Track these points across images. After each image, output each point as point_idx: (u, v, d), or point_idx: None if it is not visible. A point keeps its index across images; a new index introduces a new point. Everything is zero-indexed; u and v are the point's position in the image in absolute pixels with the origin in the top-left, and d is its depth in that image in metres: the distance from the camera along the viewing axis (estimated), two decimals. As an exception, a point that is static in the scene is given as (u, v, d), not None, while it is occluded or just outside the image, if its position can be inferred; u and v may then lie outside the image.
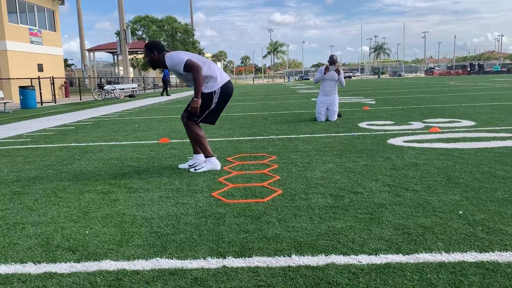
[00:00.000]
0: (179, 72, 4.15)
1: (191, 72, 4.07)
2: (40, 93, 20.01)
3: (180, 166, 4.57)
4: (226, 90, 4.31)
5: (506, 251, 2.19)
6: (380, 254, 2.21)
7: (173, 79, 51.17)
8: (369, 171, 4.07)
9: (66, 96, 27.89)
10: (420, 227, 2.56)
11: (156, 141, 6.62)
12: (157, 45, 4.30)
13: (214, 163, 4.40)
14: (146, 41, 48.63)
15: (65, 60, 59.48)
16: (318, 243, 2.39)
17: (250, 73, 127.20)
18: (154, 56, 4.25)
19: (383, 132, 6.58)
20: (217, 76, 4.26)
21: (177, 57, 4.14)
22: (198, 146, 4.44)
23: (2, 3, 22.45)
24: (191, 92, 31.30)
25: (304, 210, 2.98)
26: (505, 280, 1.90)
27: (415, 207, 2.95)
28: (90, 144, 6.65)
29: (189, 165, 4.50)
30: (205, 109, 4.28)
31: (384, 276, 1.99)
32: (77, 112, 14.27)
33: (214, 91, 4.24)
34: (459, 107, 10.50)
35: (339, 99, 10.62)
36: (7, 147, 6.61)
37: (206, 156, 4.41)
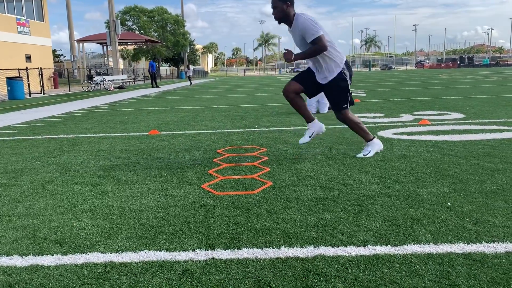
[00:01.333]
0: (302, 37, 3.91)
1: (314, 48, 3.85)
2: (28, 84, 19.74)
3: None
4: (348, 66, 4.14)
5: (493, 243, 2.21)
6: (369, 246, 2.22)
7: (163, 71, 50.80)
8: (358, 163, 4.08)
9: (54, 88, 27.56)
10: (409, 219, 2.58)
11: (146, 133, 6.57)
12: None
13: (377, 144, 4.34)
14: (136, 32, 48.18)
15: (54, 51, 58.67)
16: (307, 235, 2.39)
17: (241, 65, 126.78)
18: (286, 7, 3.90)
19: (373, 125, 6.60)
20: (341, 53, 4.08)
21: (312, 24, 3.82)
22: (361, 133, 4.30)
23: (-12, -8, 22.05)
24: (181, 84, 31.15)
25: (293, 202, 2.98)
26: (492, 271, 1.92)
27: (404, 199, 2.96)
28: (79, 135, 6.58)
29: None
30: (346, 91, 4.12)
31: (372, 267, 1.99)
32: (65, 104, 14.11)
33: (341, 71, 4.04)
34: (449, 100, 10.57)
35: (330, 91, 10.63)
36: (-6, 139, 6.51)
37: (368, 140, 4.32)
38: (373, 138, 4.34)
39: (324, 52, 3.92)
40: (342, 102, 4.15)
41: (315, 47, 3.85)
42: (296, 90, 4.21)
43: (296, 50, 4.17)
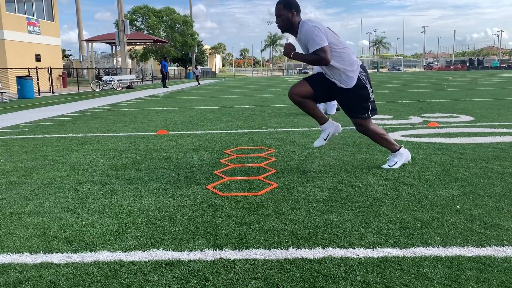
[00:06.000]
0: (305, 46, 3.65)
1: (316, 58, 3.55)
2: (38, 83, 19.90)
3: (315, 144, 4.13)
4: (364, 69, 3.80)
5: (503, 246, 2.19)
6: (377, 248, 2.21)
7: (171, 71, 50.99)
8: (367, 165, 4.06)
9: (63, 87, 27.76)
10: (418, 221, 2.56)
11: (154, 133, 6.60)
12: (297, 4, 3.65)
13: (405, 154, 3.96)
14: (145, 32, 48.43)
15: (63, 51, 59.18)
16: (315, 236, 2.38)
17: (249, 65, 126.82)
18: (291, 16, 3.61)
19: (382, 126, 6.57)
20: (355, 60, 3.72)
21: (315, 34, 3.50)
22: (386, 144, 3.95)
23: (-1, -8, 22.27)
24: (189, 84, 31.23)
25: (301, 203, 2.98)
26: (502, 275, 1.90)
27: (413, 201, 2.95)
28: (88, 135, 6.63)
29: (324, 139, 4.05)
30: (367, 99, 3.76)
31: (381, 269, 1.99)
32: (74, 103, 14.21)
33: (360, 76, 3.70)
34: (458, 102, 10.50)
35: (338, 92, 10.60)
36: (4, 137, 6.58)
37: (394, 150, 3.94)
38: (400, 148, 3.96)
39: (333, 64, 3.62)
40: (360, 110, 3.78)
41: (317, 58, 3.54)
42: (305, 93, 3.82)
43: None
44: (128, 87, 25.72)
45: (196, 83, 30.90)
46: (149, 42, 45.79)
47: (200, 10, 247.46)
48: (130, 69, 38.09)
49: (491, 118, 7.24)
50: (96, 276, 1.99)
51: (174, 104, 12.60)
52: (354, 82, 3.69)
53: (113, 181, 3.70)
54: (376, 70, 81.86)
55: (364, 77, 3.73)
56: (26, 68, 19.79)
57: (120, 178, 3.81)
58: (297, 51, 3.77)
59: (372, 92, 3.81)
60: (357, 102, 3.77)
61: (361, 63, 3.79)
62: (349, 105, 3.84)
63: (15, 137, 6.60)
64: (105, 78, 24.80)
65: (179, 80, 48.96)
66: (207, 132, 6.61)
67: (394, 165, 3.92)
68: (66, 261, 2.16)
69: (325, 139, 4.05)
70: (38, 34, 26.60)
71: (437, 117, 7.60)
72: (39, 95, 19.60)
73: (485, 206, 2.81)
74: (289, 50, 3.70)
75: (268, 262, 2.09)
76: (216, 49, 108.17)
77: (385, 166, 3.95)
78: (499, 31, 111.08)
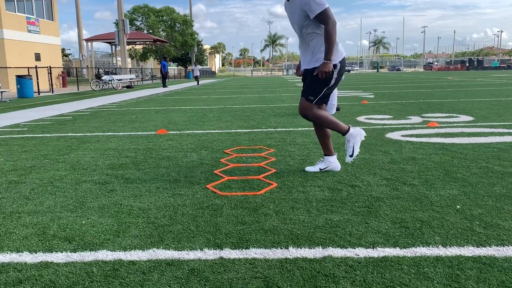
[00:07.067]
0: (303, 12, 3.37)
1: (324, 24, 3.28)
2: (37, 82, 19.88)
3: (308, 169, 3.88)
4: (344, 65, 3.58)
5: (503, 246, 2.19)
6: (377, 247, 2.21)
7: (171, 70, 50.98)
8: (367, 164, 4.06)
9: (63, 86, 27.74)
10: (418, 221, 2.56)
11: (154, 132, 6.60)
12: None
13: (356, 133, 3.67)
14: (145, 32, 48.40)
15: (63, 50, 59.13)
16: (315, 236, 2.38)
17: (248, 65, 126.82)
18: None
19: (382, 126, 6.57)
20: (339, 45, 3.50)
21: None
22: (334, 126, 3.62)
23: (-1, -9, 22.25)
24: (189, 84, 31.21)
25: (301, 202, 2.98)
26: (502, 275, 1.90)
27: (413, 201, 2.95)
28: (87, 134, 6.62)
29: (320, 169, 3.82)
30: (323, 86, 3.51)
31: (381, 269, 1.98)
32: (74, 102, 14.20)
33: (335, 64, 3.48)
34: (458, 102, 10.50)
35: (338, 92, 10.60)
36: (4, 136, 6.57)
37: (345, 132, 3.67)
38: (349, 128, 3.68)
39: (319, 33, 3.40)
40: (312, 91, 3.53)
41: (327, 25, 3.26)
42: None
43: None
44: (127, 87, 25.71)
45: (195, 82, 30.74)
46: (149, 41, 45.78)
47: (200, 9, 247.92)
48: (130, 68, 38.07)
49: (491, 118, 7.24)
50: (95, 276, 1.99)
51: (174, 104, 12.59)
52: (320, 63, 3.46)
53: (112, 181, 3.69)
54: (376, 70, 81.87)
55: (338, 67, 3.50)
56: (25, 67, 19.77)
57: (120, 177, 3.81)
58: (291, 16, 3.52)
59: (333, 86, 3.55)
60: (314, 83, 3.52)
61: (344, 56, 3.59)
62: (307, 84, 3.60)
63: (15, 136, 6.59)
64: (104, 77, 24.78)
65: (179, 79, 48.93)
66: (207, 131, 6.60)
67: (354, 152, 3.67)
68: (65, 260, 2.15)
69: (321, 169, 3.82)
70: (38, 33, 26.58)
71: (437, 117, 7.60)
72: (39, 94, 19.59)
73: (485, 206, 2.81)
74: (326, 68, 3.39)
75: (268, 262, 2.09)
76: (216, 48, 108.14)
77: (348, 159, 3.73)
78: (498, 31, 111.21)
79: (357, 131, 3.69)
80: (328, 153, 3.83)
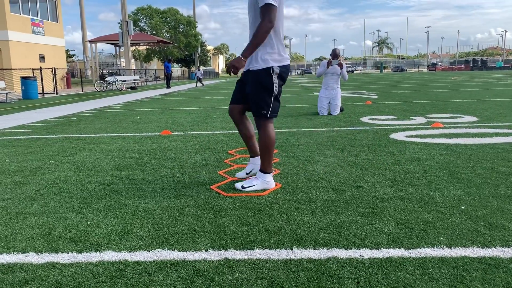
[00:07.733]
0: (256, 2, 3.13)
1: (260, 19, 3.04)
2: (42, 83, 19.99)
3: (238, 175, 3.71)
4: (286, 72, 3.28)
5: (509, 247, 2.19)
6: (382, 248, 2.21)
7: (174, 72, 51.08)
8: (371, 165, 4.06)
9: (67, 87, 27.86)
10: (422, 222, 2.56)
11: (158, 133, 6.61)
12: None
13: (269, 182, 3.35)
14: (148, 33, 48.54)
15: (67, 51, 59.37)
16: (320, 237, 2.38)
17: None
18: None
19: (385, 127, 6.56)
20: (283, 48, 3.22)
21: None
22: (266, 158, 3.33)
23: (4, -7, 22.37)
24: (193, 85, 31.24)
25: (305, 203, 2.98)
26: (507, 276, 1.90)
27: (417, 202, 2.95)
28: (92, 135, 6.65)
29: (247, 173, 3.65)
30: (267, 95, 3.20)
31: (385, 270, 1.99)
32: (78, 103, 14.26)
33: (273, 67, 3.16)
34: (462, 103, 10.47)
35: (342, 93, 10.60)
36: (9, 138, 6.61)
37: (265, 171, 3.34)
38: (270, 173, 3.36)
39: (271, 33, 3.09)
40: (261, 105, 3.22)
41: (262, 23, 3.00)
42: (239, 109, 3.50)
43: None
44: (131, 88, 25.79)
45: (199, 84, 30.55)
46: (153, 42, 45.89)
47: (203, 10, 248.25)
48: (134, 69, 38.18)
49: (496, 119, 7.21)
50: (101, 276, 2.00)
51: (178, 105, 12.62)
52: (261, 67, 3.18)
53: (117, 181, 3.71)
54: (379, 71, 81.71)
55: (278, 73, 3.19)
56: (30, 68, 19.85)
57: (125, 178, 3.82)
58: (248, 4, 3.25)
59: (278, 94, 3.26)
60: (258, 92, 3.22)
61: (288, 62, 3.31)
62: (252, 95, 3.27)
63: (20, 137, 6.63)
64: (108, 78, 24.86)
65: (183, 80, 49.03)
66: (211, 132, 6.62)
67: (250, 187, 3.30)
68: (71, 261, 2.16)
69: (247, 174, 3.63)
70: (42, 34, 26.71)
71: (441, 118, 7.58)
72: (43, 95, 19.68)
73: (490, 206, 2.80)
74: (238, 63, 3.08)
75: (273, 263, 2.09)
76: (219, 49, 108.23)
77: (238, 185, 3.36)
78: (503, 31, 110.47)
79: (270, 182, 3.35)
80: (253, 154, 3.63)
